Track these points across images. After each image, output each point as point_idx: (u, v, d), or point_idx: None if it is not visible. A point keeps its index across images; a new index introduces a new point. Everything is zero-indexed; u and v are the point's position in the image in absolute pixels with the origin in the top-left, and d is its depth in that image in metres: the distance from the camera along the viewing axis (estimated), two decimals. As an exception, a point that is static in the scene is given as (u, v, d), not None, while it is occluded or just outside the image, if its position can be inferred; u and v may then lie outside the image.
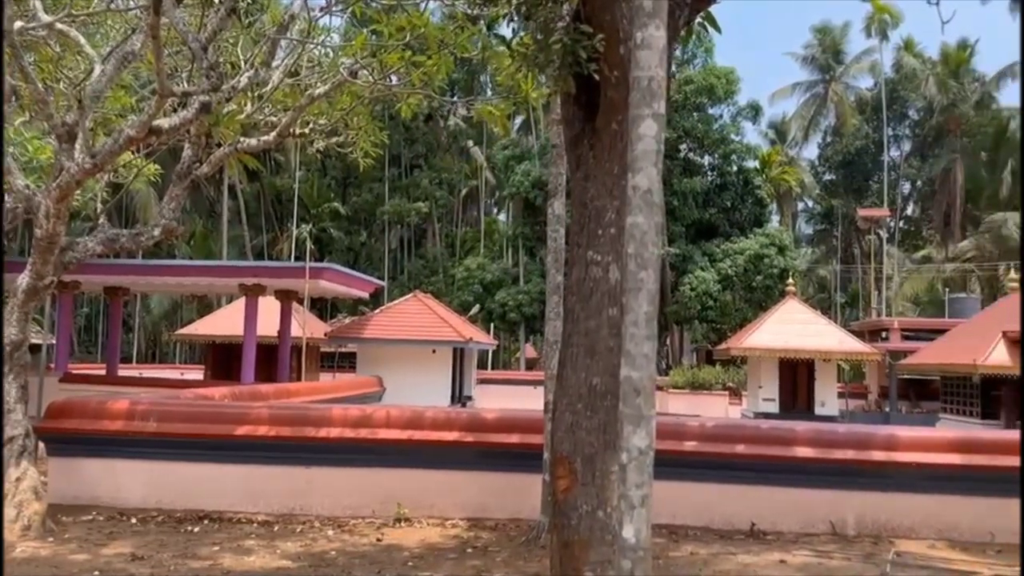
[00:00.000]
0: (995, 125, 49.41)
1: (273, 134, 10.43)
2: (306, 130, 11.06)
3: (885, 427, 9.32)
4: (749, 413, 27.65)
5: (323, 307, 42.26)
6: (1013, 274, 29.52)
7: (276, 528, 8.06)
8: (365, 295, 25.32)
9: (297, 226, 38.99)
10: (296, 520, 8.33)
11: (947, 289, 44.05)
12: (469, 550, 7.24)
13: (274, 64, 10.03)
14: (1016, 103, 52.89)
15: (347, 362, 28.79)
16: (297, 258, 32.17)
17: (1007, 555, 7.35)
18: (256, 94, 10.02)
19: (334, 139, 11.65)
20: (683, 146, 42.48)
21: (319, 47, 10.39)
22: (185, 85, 8.71)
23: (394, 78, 10.12)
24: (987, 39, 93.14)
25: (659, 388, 32.00)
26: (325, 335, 25.31)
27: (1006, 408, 22.56)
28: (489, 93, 39.71)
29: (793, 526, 8.11)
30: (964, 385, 24.99)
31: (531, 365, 42.91)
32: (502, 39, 6.09)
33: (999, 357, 21.91)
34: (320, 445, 8.75)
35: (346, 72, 9.35)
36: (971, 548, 7.64)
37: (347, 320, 27.87)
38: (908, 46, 53.26)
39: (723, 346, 30.18)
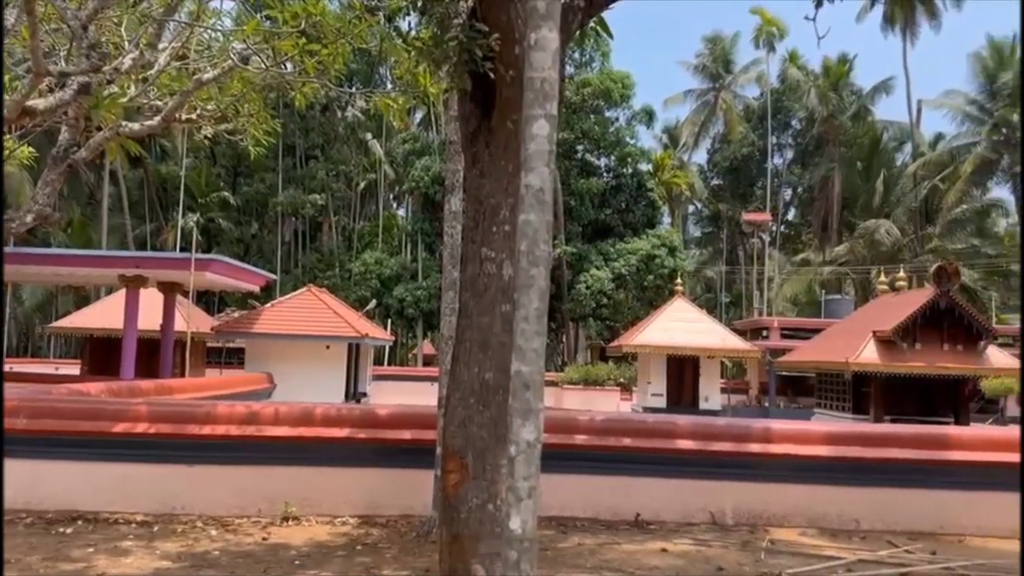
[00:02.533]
0: (870, 136, 52.63)
1: (158, 119, 9.96)
2: (193, 115, 10.63)
3: (761, 420, 9.80)
4: (638, 408, 28.46)
5: (210, 301, 40.79)
6: (883, 277, 31.52)
7: (155, 528, 7.75)
8: (255, 289, 24.60)
9: (183, 216, 37.51)
10: (177, 520, 8.03)
11: (823, 290, 46.65)
12: (359, 547, 7.17)
13: (160, 46, 9.61)
14: (888, 116, 56.55)
15: (235, 358, 27.90)
16: (183, 249, 30.92)
17: (871, 541, 7.87)
18: (140, 77, 9.57)
19: (223, 126, 11.24)
20: (580, 147, 43.30)
21: (209, 30, 10.02)
22: (64, 65, 8.23)
23: (289, 66, 9.87)
24: (864, 55, 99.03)
25: (554, 384, 32.51)
26: (212, 330, 24.45)
27: (875, 403, 24.11)
28: (389, 86, 39.29)
29: (675, 516, 8.42)
30: (837, 382, 26.52)
31: (429, 361, 42.77)
32: (399, 32, 6.05)
33: (869, 356, 23.38)
34: (203, 443, 8.46)
35: (237, 58, 9.05)
36: (839, 535, 8.12)
37: (236, 314, 26.99)
38: (793, 58, 56.03)
39: (615, 343, 30.95)
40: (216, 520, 8.07)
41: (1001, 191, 48.00)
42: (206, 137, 11.76)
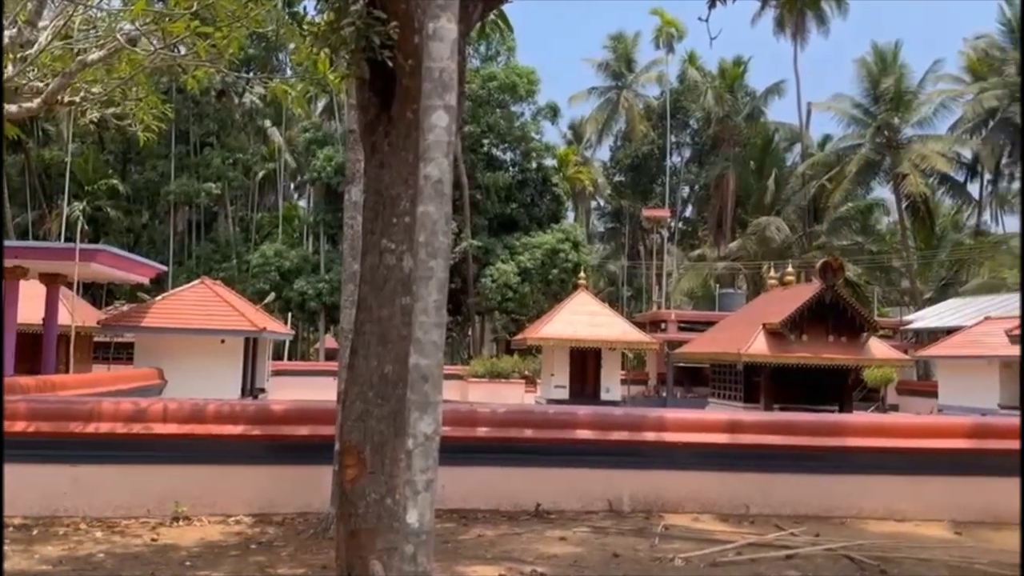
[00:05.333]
0: (762, 137, 54.82)
1: (38, 101, 9.40)
2: (77, 98, 10.09)
3: (657, 410, 10.09)
4: (542, 400, 28.81)
5: (97, 293, 38.83)
6: (773, 272, 32.93)
7: (35, 532, 7.33)
8: (145, 281, 23.55)
9: (69, 204, 35.59)
10: (59, 523, 7.62)
11: (718, 285, 48.39)
12: (253, 546, 6.98)
13: (41, 24, 9.06)
14: (780, 118, 58.97)
15: (124, 354, 26.67)
16: (68, 239, 29.29)
17: (759, 525, 8.21)
18: (19, 55, 9.00)
19: (111, 110, 10.72)
20: (486, 141, 43.40)
21: (95, 9, 9.50)
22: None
23: (182, 49, 9.47)
24: (758, 58, 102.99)
25: (460, 378, 32.54)
26: (98, 323, 23.29)
27: (765, 392, 25.19)
28: (289, 73, 38.27)
29: (574, 505, 8.56)
30: (730, 372, 27.59)
31: (331, 356, 41.94)
32: (296, 16, 5.89)
33: (759, 347, 24.40)
34: (87, 442, 8.05)
35: (124, 39, 8.63)
36: (730, 519, 8.44)
37: (124, 308, 25.79)
38: (691, 60, 57.70)
39: (520, 336, 31.24)
40: (102, 522, 7.71)
41: (882, 191, 50.97)
42: (92, 121, 11.17)
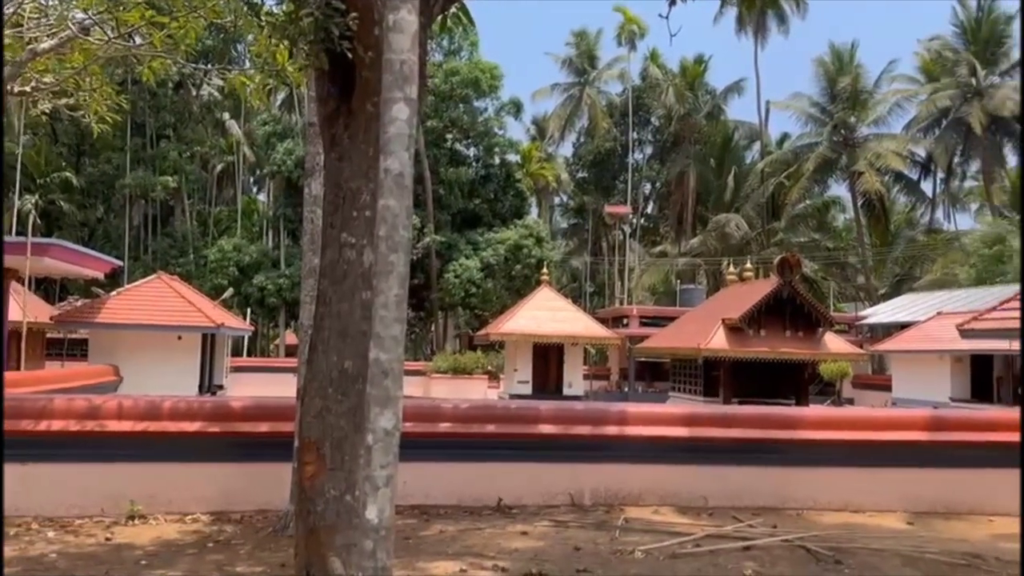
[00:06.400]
0: (722, 135, 55.45)
1: (-15, 90, 9.13)
2: (28, 88, 9.81)
3: (618, 404, 10.15)
4: (505, 395, 28.83)
5: (50, 289, 37.91)
6: (732, 268, 33.34)
7: (-18, 534, 7.14)
8: (100, 275, 23.03)
9: (20, 197, 34.69)
10: (10, 523, 7.42)
11: (679, 280, 48.86)
12: (210, 545, 6.88)
13: (-12, 10, 8.79)
14: (740, 116, 59.71)
15: (78, 350, 26.11)
16: (19, 233, 28.56)
17: (718, 517, 8.31)
18: (-36, 43, 8.73)
19: (64, 100, 10.44)
20: (450, 136, 43.28)
21: (45, -4, 9.26)
22: None
23: (137, 39, 9.26)
24: (719, 56, 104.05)
25: (423, 373, 32.42)
26: (51, 319, 22.74)
27: (724, 386, 25.52)
28: (248, 64, 37.75)
29: (536, 499, 8.59)
30: (690, 366, 27.89)
31: (292, 352, 41.46)
32: (253, 6, 5.80)
33: (719, 342, 24.70)
34: (39, 440, 7.86)
35: (77, 27, 8.41)
36: (689, 512, 8.53)
37: (78, 303, 25.21)
38: (653, 57, 58.12)
39: (483, 332, 31.22)
40: (54, 521, 7.53)
41: (839, 188, 51.93)
42: (44, 112, 10.87)
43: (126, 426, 8.04)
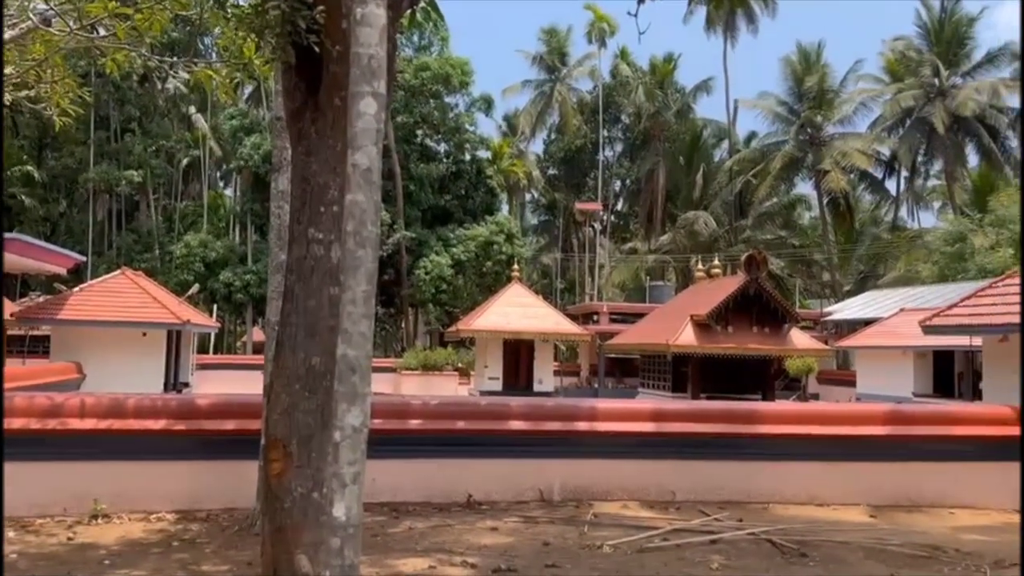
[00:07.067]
0: (691, 133, 55.85)
1: (-58, 81, 8.90)
2: (-14, 79, 9.58)
3: (587, 400, 10.20)
4: (476, 392, 28.82)
5: (11, 284, 37.11)
6: (701, 265, 33.64)
7: (-61, 535, 6.97)
8: (62, 271, 22.59)
9: (-22, 190, 33.87)
10: (-33, 524, 7.26)
11: (648, 277, 49.20)
12: (176, 544, 6.79)
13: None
14: (708, 115, 60.20)
15: (40, 347, 25.60)
16: (-23, 227, 27.84)
17: (685, 511, 8.39)
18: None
19: (24, 93, 10.20)
20: (420, 132, 43.06)
21: (5, -15, 9.03)
22: None
23: (101, 30, 9.08)
24: (689, 55, 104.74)
25: (393, 370, 32.28)
26: (12, 316, 22.24)
27: (692, 382, 25.73)
28: (214, 57, 37.21)
29: (506, 495, 8.61)
30: (659, 362, 28.07)
31: (259, 349, 41.07)
32: (218, -1, 5.72)
33: (687, 338, 24.88)
34: (-2, 439, 7.70)
35: (37, 18, 8.22)
36: (657, 506, 8.61)
37: (40, 299, 24.71)
38: (623, 55, 58.35)
39: (454, 328, 31.14)
40: (15, 521, 7.39)
41: (805, 187, 52.59)
42: (4, 105, 10.61)
43: (89, 424, 7.91)
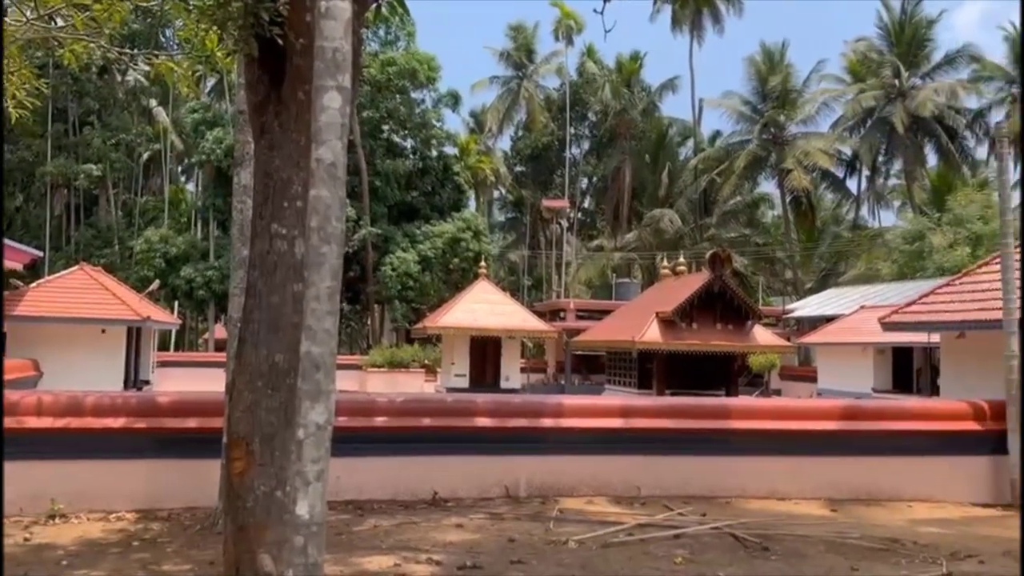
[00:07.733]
0: (657, 131, 56.21)
1: None
2: (-63, 69, 9.31)
3: (554, 396, 10.23)
4: (442, 389, 28.75)
5: (-36, 280, 36.16)
6: (666, 263, 33.90)
7: None
8: (19, 267, 22.06)
9: (-70, 183, 32.96)
10: (-83, 527, 7.07)
11: (615, 274, 49.46)
12: (136, 543, 6.68)
13: None
14: (675, 113, 60.68)
15: (-5, 343, 24.98)
16: (-72, 221, 27.10)
17: (650, 506, 8.46)
18: None
19: (-23, 83, 9.94)
20: (386, 127, 42.79)
21: (-43, -28, 8.78)
22: None
23: (59, 20, 8.87)
24: (656, 54, 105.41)
25: (358, 368, 32.06)
26: (-35, 312, 21.70)
27: (657, 378, 25.95)
28: (176, 50, 36.56)
29: (472, 492, 8.60)
30: (625, 359, 28.26)
31: (221, 346, 40.48)
32: (179, -11, 5.62)
33: (653, 335, 25.08)
34: (-50, 438, 7.50)
35: (-8, 6, 8.00)
36: (622, 501, 8.66)
37: (-5, 295, 24.06)
38: (590, 53, 58.53)
39: (420, 325, 31.03)
40: (-34, 523, 7.20)
41: (768, 186, 53.24)
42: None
43: (46, 422, 7.75)
